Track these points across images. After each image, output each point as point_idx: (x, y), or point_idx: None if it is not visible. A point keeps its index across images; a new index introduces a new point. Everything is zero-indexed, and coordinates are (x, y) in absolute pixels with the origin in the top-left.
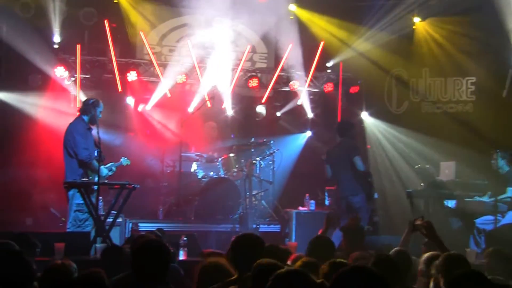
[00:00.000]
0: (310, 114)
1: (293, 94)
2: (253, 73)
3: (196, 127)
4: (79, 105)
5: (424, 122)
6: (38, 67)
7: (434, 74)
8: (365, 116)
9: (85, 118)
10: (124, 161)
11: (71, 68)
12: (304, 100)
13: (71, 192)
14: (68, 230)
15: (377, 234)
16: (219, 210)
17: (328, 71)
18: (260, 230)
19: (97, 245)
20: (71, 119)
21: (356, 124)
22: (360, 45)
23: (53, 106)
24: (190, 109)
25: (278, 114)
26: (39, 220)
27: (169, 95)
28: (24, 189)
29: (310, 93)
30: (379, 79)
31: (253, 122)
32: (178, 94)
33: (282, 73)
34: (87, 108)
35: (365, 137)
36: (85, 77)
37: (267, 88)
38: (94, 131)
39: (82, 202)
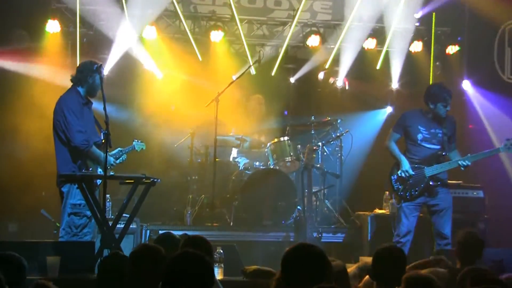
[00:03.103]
0: (394, 84)
1: (369, 56)
2: (313, 28)
3: (236, 101)
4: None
5: None
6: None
7: None
8: (467, 85)
9: (81, 89)
10: (136, 145)
11: (67, 21)
12: (383, 65)
13: (65, 189)
14: (61, 239)
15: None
16: (267, 213)
17: (416, 24)
18: (322, 240)
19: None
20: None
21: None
22: None
23: (45, 75)
24: (233, 77)
25: (340, 83)
26: (26, 226)
27: (200, 58)
28: (5, 185)
29: (392, 55)
30: (487, 35)
31: (313, 94)
32: (213, 57)
33: (353, 28)
34: (83, 75)
35: (467, 113)
36: (86, 32)
37: (332, 49)
38: (96, 106)
39: (79, 202)
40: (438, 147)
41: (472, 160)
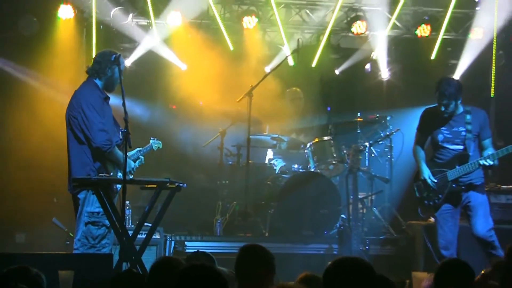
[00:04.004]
0: (456, 76)
1: (422, 45)
2: (359, 13)
3: (272, 96)
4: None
5: None
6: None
7: None
8: None
9: (99, 82)
10: (154, 143)
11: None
12: (439, 54)
13: (81, 195)
14: (75, 251)
15: None
16: (307, 223)
17: (477, 9)
18: (370, 253)
19: None
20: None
21: None
22: None
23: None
24: (266, 68)
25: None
26: (35, 236)
27: (231, 47)
28: (12, 190)
29: (449, 43)
30: None
31: (359, 88)
32: (245, 46)
33: (405, 11)
34: (101, 66)
35: None
36: (103, 18)
37: (380, 36)
38: (114, 102)
39: (97, 210)
40: (461, 147)
41: (495, 158)
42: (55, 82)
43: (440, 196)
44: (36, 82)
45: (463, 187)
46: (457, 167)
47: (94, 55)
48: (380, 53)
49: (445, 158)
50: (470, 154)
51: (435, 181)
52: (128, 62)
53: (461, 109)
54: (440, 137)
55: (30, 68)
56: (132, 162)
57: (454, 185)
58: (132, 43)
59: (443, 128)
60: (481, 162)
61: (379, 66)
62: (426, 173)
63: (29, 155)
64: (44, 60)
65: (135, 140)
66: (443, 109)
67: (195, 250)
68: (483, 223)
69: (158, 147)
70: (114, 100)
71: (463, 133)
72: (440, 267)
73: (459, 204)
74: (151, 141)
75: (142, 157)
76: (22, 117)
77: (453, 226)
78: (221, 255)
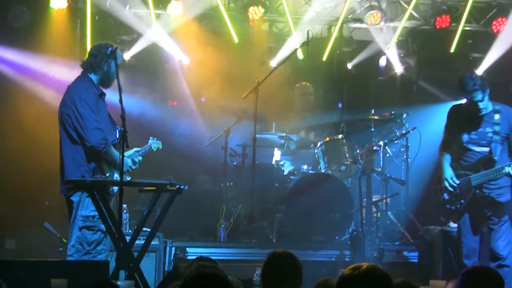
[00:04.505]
0: (480, 71)
1: (441, 37)
2: (374, 3)
3: (280, 92)
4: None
5: None
6: None
7: None
8: None
9: (94, 77)
10: (153, 143)
11: None
12: (460, 47)
13: (75, 198)
14: (69, 258)
15: None
16: (317, 228)
17: None
18: (385, 260)
19: (120, 283)
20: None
21: None
22: None
23: (50, 62)
24: (271, 62)
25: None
26: (26, 242)
27: (236, 39)
28: (0, 193)
29: (470, 35)
30: None
31: (373, 83)
32: (251, 39)
33: (423, 1)
34: (97, 60)
35: None
36: (99, 9)
37: (396, 28)
38: (111, 98)
39: (92, 214)
40: (486, 149)
41: None
42: (46, 78)
43: (462, 201)
44: (24, 78)
45: (487, 196)
46: (482, 171)
47: (89, 48)
48: (396, 46)
49: (470, 160)
50: (495, 158)
51: (457, 182)
52: (126, 55)
53: (490, 107)
54: (465, 137)
55: (20, 62)
56: (129, 161)
57: (477, 191)
58: (130, 35)
59: (468, 127)
60: (506, 170)
61: (394, 60)
62: (449, 173)
63: (11, 156)
64: (35, 53)
65: (133, 140)
66: (477, 101)
67: (196, 257)
68: (504, 242)
69: (158, 147)
70: (110, 97)
71: (490, 134)
72: (465, 275)
73: (482, 212)
74: (150, 141)
75: (140, 157)
76: (1, 116)
77: (476, 234)
78: (225, 262)
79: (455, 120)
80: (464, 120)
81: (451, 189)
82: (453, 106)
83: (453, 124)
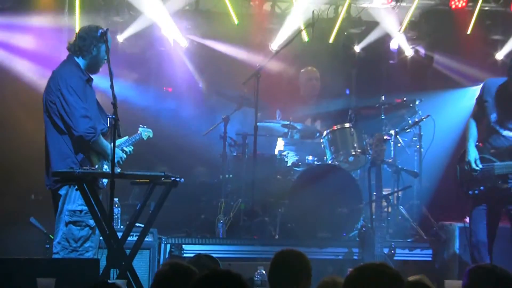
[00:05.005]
0: (499, 54)
1: (457, 18)
2: None
3: (283, 77)
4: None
5: None
6: None
7: None
8: None
9: (81, 61)
10: (143, 132)
11: None
12: (477, 29)
13: (62, 191)
14: (55, 255)
15: None
16: (323, 223)
17: None
18: (396, 257)
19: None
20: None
21: None
22: None
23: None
24: (274, 45)
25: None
26: (10, 238)
27: (236, 21)
28: None
29: (489, 16)
30: None
31: (384, 68)
32: (252, 20)
33: None
34: (86, 43)
35: None
36: None
37: (408, 8)
38: (101, 84)
39: (80, 208)
40: None
41: None
42: (30, 63)
43: (481, 188)
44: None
45: (510, 187)
46: (508, 161)
47: (77, 30)
48: (408, 27)
49: (496, 145)
50: None
51: (480, 166)
52: (119, 38)
53: None
54: (493, 116)
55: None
56: (120, 152)
57: (500, 182)
58: (122, 16)
59: (501, 107)
60: None
61: (406, 42)
62: (473, 155)
63: (8, 142)
64: (18, 35)
65: (124, 128)
66: None
67: (195, 254)
68: None
69: (149, 136)
70: (100, 82)
71: None
72: (472, 272)
73: (502, 205)
74: (140, 129)
75: (131, 147)
76: None
77: (491, 229)
78: (224, 260)
79: (488, 94)
80: (499, 98)
81: (473, 172)
82: (490, 79)
83: (484, 98)
